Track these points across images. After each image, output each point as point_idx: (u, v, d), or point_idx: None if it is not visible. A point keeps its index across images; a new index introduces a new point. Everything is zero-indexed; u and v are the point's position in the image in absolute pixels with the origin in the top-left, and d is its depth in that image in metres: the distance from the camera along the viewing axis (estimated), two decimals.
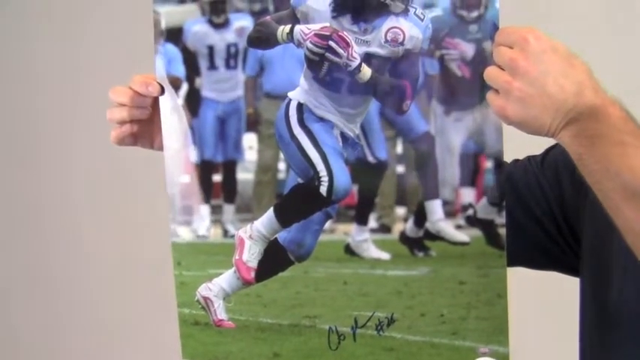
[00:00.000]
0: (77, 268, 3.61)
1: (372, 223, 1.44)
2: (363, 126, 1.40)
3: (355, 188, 1.42)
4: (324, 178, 1.41)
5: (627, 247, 1.26)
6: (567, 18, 2.72)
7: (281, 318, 1.44)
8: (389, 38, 1.37)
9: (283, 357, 1.42)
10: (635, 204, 1.22)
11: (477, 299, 1.38)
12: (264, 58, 1.44)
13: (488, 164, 1.38)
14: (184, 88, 1.45)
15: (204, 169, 1.46)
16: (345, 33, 1.37)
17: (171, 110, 1.43)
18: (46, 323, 3.68)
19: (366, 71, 1.37)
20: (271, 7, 1.40)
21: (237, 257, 1.45)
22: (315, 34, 1.38)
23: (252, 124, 1.46)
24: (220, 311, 1.45)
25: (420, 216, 1.41)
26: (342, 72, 1.38)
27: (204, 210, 1.48)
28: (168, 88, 1.42)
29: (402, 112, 1.38)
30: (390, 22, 1.37)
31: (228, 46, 1.46)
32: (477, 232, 1.39)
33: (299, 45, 1.39)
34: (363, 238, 1.44)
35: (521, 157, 1.52)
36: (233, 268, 1.45)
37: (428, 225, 1.41)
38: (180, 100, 1.44)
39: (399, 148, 1.42)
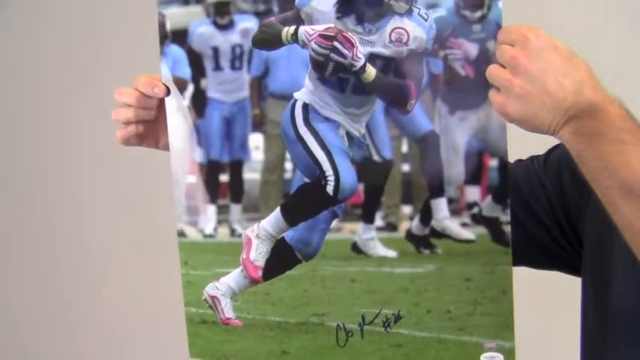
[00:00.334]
0: (82, 269, 3.61)
1: (379, 221, 1.45)
2: (369, 125, 1.41)
3: (361, 187, 1.43)
4: (331, 178, 1.42)
5: (627, 246, 1.28)
6: (570, 17, 2.72)
7: (289, 316, 1.45)
8: (393, 38, 1.38)
9: (292, 355, 1.43)
10: (632, 201, 1.23)
11: (482, 296, 1.39)
12: (269, 58, 1.44)
13: (493, 162, 1.39)
14: (190, 89, 1.46)
15: (211, 169, 1.48)
16: (349, 34, 1.38)
17: (177, 111, 1.44)
18: (52, 325, 3.68)
19: (371, 71, 1.38)
20: (276, 9, 1.41)
21: (244, 256, 1.46)
22: (320, 35, 1.38)
23: (258, 125, 1.46)
24: (228, 310, 1.46)
25: (426, 214, 1.42)
26: (347, 72, 1.39)
27: (211, 210, 1.49)
28: (173, 89, 1.43)
29: (406, 112, 1.39)
30: (394, 22, 1.37)
31: (233, 47, 1.46)
32: (482, 230, 1.40)
33: (304, 46, 1.39)
34: (369, 236, 1.45)
35: (525, 155, 1.53)
36: (240, 267, 1.46)
37: (434, 223, 1.42)
38: (186, 101, 1.45)
39: (405, 147, 1.43)
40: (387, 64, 1.38)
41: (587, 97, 1.23)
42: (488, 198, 1.40)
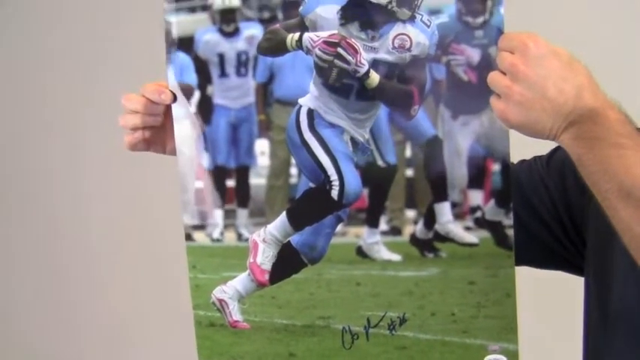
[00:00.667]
0: (90, 272, 3.61)
1: (383, 225, 1.46)
2: (373, 131, 1.42)
3: (366, 192, 1.44)
4: (335, 183, 1.43)
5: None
6: (571, 22, 2.72)
7: (295, 319, 1.46)
8: (396, 45, 1.39)
9: (298, 357, 1.45)
10: (630, 204, 1.24)
11: (486, 299, 1.40)
12: (274, 65, 1.46)
13: (496, 167, 1.40)
14: (196, 95, 1.47)
15: (218, 174, 1.49)
16: (353, 40, 1.39)
17: (184, 117, 1.46)
18: (59, 327, 3.68)
19: (375, 77, 1.39)
20: (280, 16, 1.42)
21: (251, 260, 1.47)
22: (324, 42, 1.40)
23: (264, 130, 1.48)
24: (235, 313, 1.48)
25: (430, 218, 1.43)
26: (351, 78, 1.40)
27: (218, 214, 1.50)
28: (180, 95, 1.45)
29: (410, 117, 1.40)
30: (397, 28, 1.39)
31: (239, 54, 1.48)
32: (485, 234, 1.41)
33: (308, 52, 1.41)
34: (374, 240, 1.46)
35: (527, 158, 1.54)
36: (247, 271, 1.47)
37: (437, 227, 1.43)
38: (192, 108, 1.46)
39: (408, 152, 1.44)
40: (390, 70, 1.39)
41: (587, 102, 1.25)
42: (491, 202, 1.41)
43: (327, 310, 1.45)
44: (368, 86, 1.40)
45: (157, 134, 1.48)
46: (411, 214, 1.45)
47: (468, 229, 1.42)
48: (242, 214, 1.51)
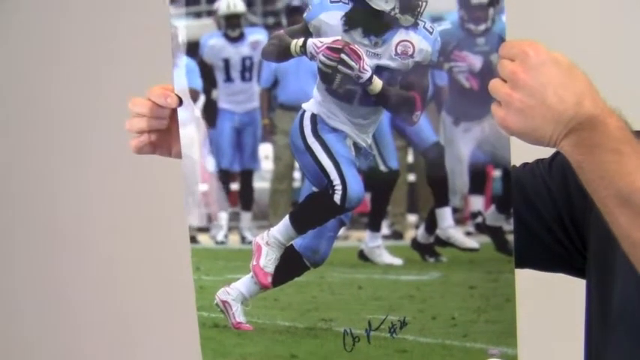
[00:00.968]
0: (94, 272, 3.62)
1: (385, 229, 1.47)
2: (375, 136, 1.43)
3: (368, 196, 1.45)
4: (338, 187, 1.44)
5: None
6: (572, 30, 2.72)
7: (298, 321, 1.48)
8: (399, 51, 1.40)
9: (300, 359, 1.46)
10: (628, 210, 1.25)
11: (486, 303, 1.41)
12: (278, 70, 1.47)
13: (497, 173, 1.41)
14: (201, 99, 1.49)
15: (222, 178, 1.50)
16: (356, 46, 1.40)
17: (189, 121, 1.47)
18: (64, 329, 3.69)
19: (377, 83, 1.40)
20: (285, 22, 1.43)
21: (254, 263, 1.49)
22: (328, 47, 1.41)
23: (268, 135, 1.49)
24: (239, 314, 1.49)
25: (431, 223, 1.44)
26: (354, 84, 1.41)
27: (223, 217, 1.52)
28: (185, 99, 1.46)
29: (412, 123, 1.41)
30: (400, 35, 1.40)
31: (244, 59, 1.49)
32: (486, 239, 1.42)
33: (312, 58, 1.42)
34: (376, 244, 1.47)
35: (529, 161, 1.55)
36: (250, 273, 1.49)
37: (438, 232, 1.44)
38: (197, 112, 1.48)
39: (410, 158, 1.45)
40: (393, 76, 1.40)
41: (587, 109, 1.25)
42: (492, 207, 1.42)
43: (328, 312, 1.46)
44: (371, 92, 1.41)
45: (162, 137, 1.49)
46: (412, 218, 1.46)
47: (468, 234, 1.43)
48: (246, 217, 1.53)
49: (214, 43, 1.49)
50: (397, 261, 1.47)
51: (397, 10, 1.38)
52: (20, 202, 3.70)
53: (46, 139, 3.62)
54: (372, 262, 1.48)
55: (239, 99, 1.51)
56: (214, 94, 1.50)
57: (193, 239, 1.51)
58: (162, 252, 3.40)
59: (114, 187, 3.53)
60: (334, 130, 1.45)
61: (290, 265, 1.48)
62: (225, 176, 1.50)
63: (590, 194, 1.28)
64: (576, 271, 1.53)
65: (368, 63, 1.40)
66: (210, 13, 1.49)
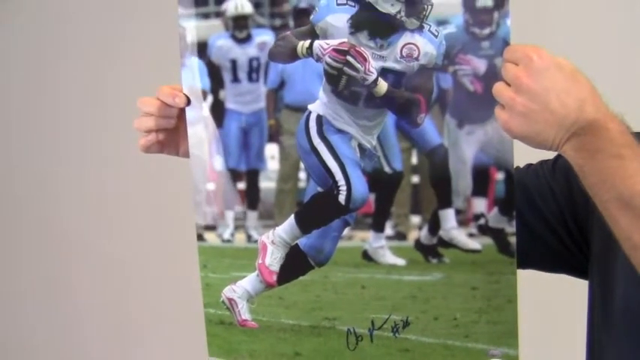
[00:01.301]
0: (101, 270, 3.64)
1: (388, 230, 1.48)
2: (380, 138, 1.45)
3: (372, 197, 1.46)
4: (343, 188, 1.45)
5: None
6: (576, 35, 2.72)
7: (302, 319, 1.49)
8: (404, 54, 1.41)
9: (304, 356, 1.48)
10: (629, 213, 1.26)
11: (488, 304, 1.42)
12: (284, 71, 1.48)
13: (500, 175, 1.42)
14: (209, 99, 1.50)
15: (229, 177, 1.51)
16: (362, 48, 1.41)
17: (197, 121, 1.48)
18: (70, 328, 3.71)
19: (383, 85, 1.41)
20: (292, 23, 1.44)
21: (260, 261, 1.50)
22: (334, 49, 1.42)
23: (274, 135, 1.50)
24: (244, 312, 1.51)
25: (434, 224, 1.45)
26: (360, 86, 1.42)
27: (229, 216, 1.53)
28: (193, 99, 1.47)
29: (416, 125, 1.42)
30: (405, 38, 1.41)
31: (251, 60, 1.50)
32: (488, 241, 1.43)
33: (318, 59, 1.43)
34: (379, 244, 1.48)
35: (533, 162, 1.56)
36: (256, 272, 1.50)
37: (441, 233, 1.45)
38: (205, 112, 1.49)
39: (414, 160, 1.46)
40: (398, 78, 1.41)
41: (589, 114, 1.26)
42: (495, 210, 1.42)
43: (332, 311, 1.48)
44: (376, 94, 1.42)
45: (170, 137, 1.51)
46: (416, 219, 1.47)
47: (471, 235, 1.44)
48: (252, 216, 1.53)
49: (222, 43, 1.50)
50: (400, 261, 1.48)
51: (403, 14, 1.39)
52: (25, 202, 3.71)
53: (54, 139, 3.64)
54: (376, 263, 1.49)
55: (246, 99, 1.52)
56: (221, 94, 1.51)
57: (200, 237, 1.53)
58: (169, 250, 3.41)
59: (121, 186, 3.55)
60: (340, 131, 1.46)
61: (295, 264, 1.49)
62: (231, 175, 1.52)
63: (592, 197, 1.29)
64: (579, 271, 1.54)
65: (373, 65, 1.41)
66: (218, 14, 1.50)
